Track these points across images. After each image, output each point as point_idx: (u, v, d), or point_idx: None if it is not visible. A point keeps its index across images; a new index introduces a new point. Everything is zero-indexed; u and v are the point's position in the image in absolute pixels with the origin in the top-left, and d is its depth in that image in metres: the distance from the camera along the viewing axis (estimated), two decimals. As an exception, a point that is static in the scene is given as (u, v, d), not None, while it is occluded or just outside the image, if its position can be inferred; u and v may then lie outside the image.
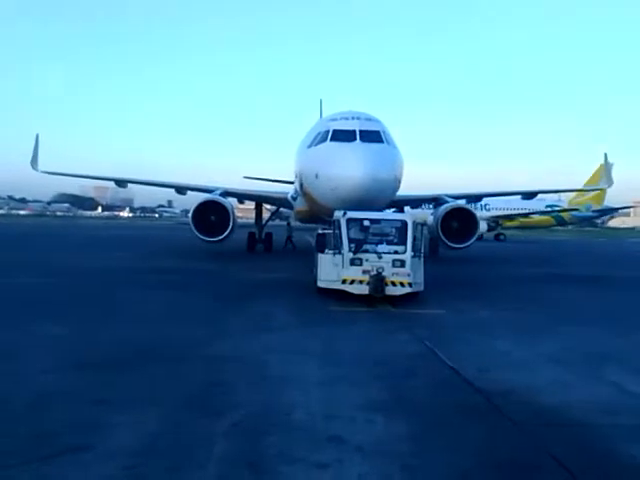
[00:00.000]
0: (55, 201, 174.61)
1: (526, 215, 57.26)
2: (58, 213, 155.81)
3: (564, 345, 10.12)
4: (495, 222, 56.30)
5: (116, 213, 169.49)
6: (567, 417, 6.60)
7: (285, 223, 43.84)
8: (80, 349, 8.98)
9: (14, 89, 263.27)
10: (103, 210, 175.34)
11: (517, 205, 54.86)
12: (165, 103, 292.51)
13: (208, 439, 5.67)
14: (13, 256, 26.28)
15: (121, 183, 35.19)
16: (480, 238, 54.40)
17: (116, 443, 5.52)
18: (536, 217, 59.07)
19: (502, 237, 57.32)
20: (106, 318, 11.65)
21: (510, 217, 57.18)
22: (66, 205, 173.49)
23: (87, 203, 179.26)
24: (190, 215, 26.79)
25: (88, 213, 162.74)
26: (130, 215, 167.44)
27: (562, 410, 6.80)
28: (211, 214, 26.04)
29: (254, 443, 5.61)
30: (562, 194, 58.68)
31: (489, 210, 56.06)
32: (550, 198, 58.73)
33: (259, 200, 34.87)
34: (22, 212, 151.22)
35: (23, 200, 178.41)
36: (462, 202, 28.65)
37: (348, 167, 16.43)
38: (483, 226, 54.30)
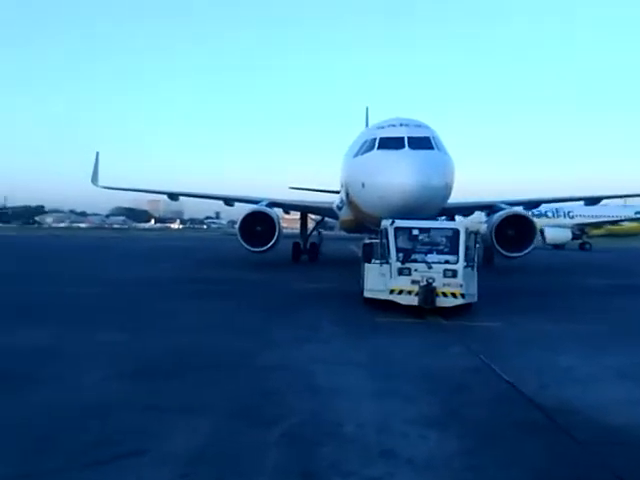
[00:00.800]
0: (112, 214, 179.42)
1: (614, 222, 51.77)
2: (115, 225, 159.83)
3: (633, 360, 9.37)
4: (580, 230, 51.36)
5: (168, 225, 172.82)
6: (636, 437, 6.04)
7: (331, 233, 43.62)
8: (135, 356, 8.93)
9: (77, 109, 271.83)
10: (156, 222, 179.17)
11: (604, 212, 49.31)
12: (211, 117, 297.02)
13: (260, 448, 5.47)
14: (77, 267, 26.82)
15: (173, 196, 35.90)
16: (562, 247, 51.60)
17: (170, 449, 5.43)
18: (626, 225, 53.13)
19: (587, 246, 51.11)
20: (158, 327, 11.64)
21: (596, 225, 51.46)
22: (122, 218, 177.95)
23: (141, 216, 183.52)
24: (237, 226, 26.90)
25: (142, 225, 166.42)
26: (180, 227, 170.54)
27: (631, 430, 6.26)
28: (257, 224, 26.09)
29: (306, 454, 5.43)
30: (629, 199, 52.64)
31: (573, 217, 51.26)
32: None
33: (304, 210, 34.77)
34: (82, 225, 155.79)
35: (83, 214, 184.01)
36: (519, 209, 27.39)
37: (396, 175, 16.03)
38: (564, 234, 49.50)
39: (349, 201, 21.19)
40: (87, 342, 9.95)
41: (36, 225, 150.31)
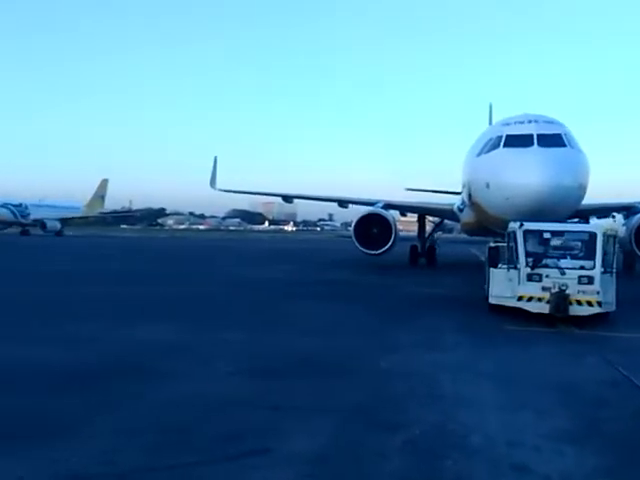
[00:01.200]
0: (228, 216, 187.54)
1: None
2: (231, 227, 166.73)
3: None
4: None
5: (281, 227, 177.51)
6: None
7: (450, 235, 42.71)
8: (257, 355, 9.27)
9: (197, 115, 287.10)
10: (270, 224, 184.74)
11: None
12: (324, 118, 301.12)
13: (382, 454, 5.47)
14: (200, 267, 28.31)
15: (287, 198, 36.83)
16: None
17: (293, 449, 5.52)
18: None
19: None
20: (279, 327, 12.00)
21: None
22: (237, 220, 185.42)
23: (256, 218, 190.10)
24: (352, 228, 27.07)
25: (257, 227, 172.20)
26: (294, 229, 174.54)
27: None
28: (373, 227, 26.11)
29: (429, 464, 5.31)
30: None
31: None
32: None
33: (422, 212, 34.33)
34: (201, 227, 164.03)
35: (202, 216, 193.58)
36: None
37: (524, 174, 15.46)
38: None
39: (472, 202, 20.70)
40: (211, 339, 10.46)
41: (158, 227, 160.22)
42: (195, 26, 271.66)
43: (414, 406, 6.92)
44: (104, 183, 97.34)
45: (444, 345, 10.63)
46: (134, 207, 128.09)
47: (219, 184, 36.65)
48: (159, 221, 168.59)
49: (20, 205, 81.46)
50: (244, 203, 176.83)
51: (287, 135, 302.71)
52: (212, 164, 36.59)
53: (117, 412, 6.38)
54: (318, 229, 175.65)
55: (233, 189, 38.81)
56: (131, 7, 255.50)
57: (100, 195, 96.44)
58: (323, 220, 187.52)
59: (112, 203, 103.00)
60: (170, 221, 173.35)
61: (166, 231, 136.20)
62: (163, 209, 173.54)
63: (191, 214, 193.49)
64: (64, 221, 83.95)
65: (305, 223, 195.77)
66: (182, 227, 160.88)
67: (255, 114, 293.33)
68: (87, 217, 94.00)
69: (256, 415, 6.41)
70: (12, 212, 80.00)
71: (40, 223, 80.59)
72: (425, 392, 7.50)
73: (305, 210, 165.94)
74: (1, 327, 11.32)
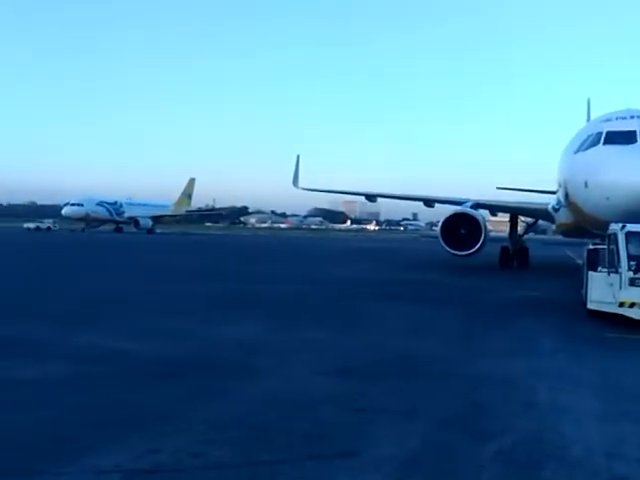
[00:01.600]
0: (310, 215, 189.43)
1: None
2: (312, 226, 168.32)
3: None
4: None
5: (363, 226, 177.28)
6: None
7: (544, 237, 41.44)
8: (339, 355, 9.34)
9: (278, 113, 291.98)
10: (352, 223, 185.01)
11: None
12: (410, 116, 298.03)
13: (475, 463, 5.35)
14: (282, 265, 28.85)
15: (371, 197, 36.84)
16: None
17: (380, 453, 5.48)
18: None
19: None
20: (361, 327, 12.04)
21: None
22: (319, 219, 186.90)
23: (338, 217, 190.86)
24: (439, 228, 26.69)
25: (338, 226, 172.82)
26: (376, 228, 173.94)
27: None
28: (461, 227, 25.66)
29: (525, 475, 5.15)
30: None
31: None
32: None
33: (513, 212, 33.40)
34: (282, 225, 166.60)
35: (283, 214, 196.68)
36: None
37: (625, 173, 14.78)
38: None
39: (568, 202, 19.99)
40: (297, 338, 10.64)
41: (241, 225, 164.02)
42: (277, 29, 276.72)
43: (508, 414, 6.76)
44: (192, 182, 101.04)
45: (539, 351, 10.32)
46: (217, 205, 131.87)
47: (301, 183, 37.22)
48: (242, 219, 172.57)
49: (115, 203, 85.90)
50: (326, 202, 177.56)
51: (370, 132, 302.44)
52: (294, 163, 37.18)
53: (205, 407, 6.55)
54: (401, 229, 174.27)
55: (315, 188, 39.26)
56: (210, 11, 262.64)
57: (188, 194, 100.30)
58: (407, 220, 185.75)
59: (197, 201, 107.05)
60: (252, 219, 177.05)
61: (248, 229, 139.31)
62: (246, 207, 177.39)
63: (273, 213, 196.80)
64: (155, 219, 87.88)
65: (388, 222, 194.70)
66: (264, 225, 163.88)
67: (338, 111, 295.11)
68: (176, 215, 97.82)
69: (341, 416, 6.40)
70: (108, 210, 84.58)
71: (134, 221, 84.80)
72: (520, 399, 7.31)
73: (388, 209, 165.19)
74: (100, 321, 12.00)
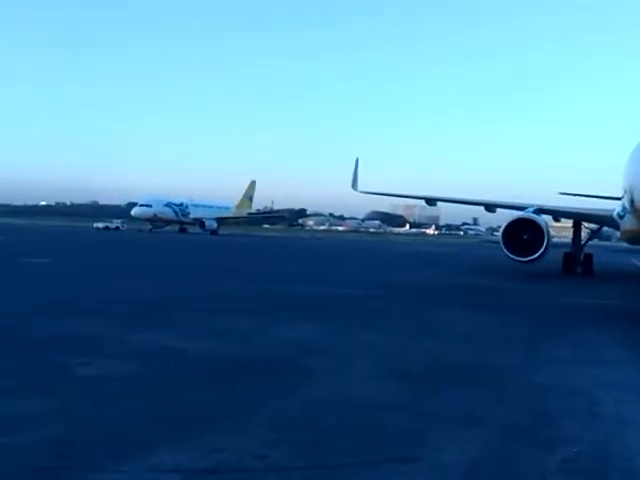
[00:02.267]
0: (368, 218, 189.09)
1: None
2: (370, 229, 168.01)
3: None
4: None
5: (423, 230, 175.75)
6: None
7: (608, 243, 40.21)
8: (400, 359, 9.30)
9: (338, 114, 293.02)
10: (411, 227, 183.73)
11: None
12: (470, 119, 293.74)
13: (539, 471, 5.25)
14: (342, 269, 28.94)
15: (431, 201, 36.49)
16: None
17: (443, 459, 5.42)
18: None
19: None
20: (420, 332, 11.97)
21: None
22: (377, 222, 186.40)
23: (396, 220, 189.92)
24: (500, 233, 26.38)
25: (397, 230, 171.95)
26: (436, 232, 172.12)
27: None
28: (523, 233, 25.28)
29: (593, 485, 5.03)
30: None
31: None
32: None
33: (577, 218, 32.55)
34: (340, 228, 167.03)
35: (341, 217, 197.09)
36: None
37: None
38: None
39: (634, 209, 19.30)
40: (355, 341, 10.64)
41: (299, 227, 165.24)
42: (340, 30, 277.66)
43: (573, 424, 6.58)
44: (252, 185, 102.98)
45: (605, 361, 9.99)
46: (276, 207, 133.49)
47: (360, 186, 37.18)
48: (299, 221, 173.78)
49: (181, 204, 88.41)
50: (384, 205, 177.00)
51: (430, 135, 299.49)
52: (354, 166, 37.19)
53: (266, 408, 6.61)
54: (461, 233, 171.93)
55: (374, 191, 39.12)
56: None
57: (249, 196, 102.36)
58: (467, 224, 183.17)
59: (255, 203, 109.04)
60: (310, 222, 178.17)
61: (306, 231, 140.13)
62: (304, 210, 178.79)
63: (331, 215, 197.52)
64: (218, 220, 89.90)
65: (448, 227, 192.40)
66: (322, 228, 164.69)
67: (398, 114, 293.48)
68: (238, 217, 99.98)
69: (402, 421, 6.37)
70: (174, 211, 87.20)
71: (199, 222, 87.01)
72: (585, 410, 7.12)
73: (448, 213, 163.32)
74: (162, 320, 12.31)
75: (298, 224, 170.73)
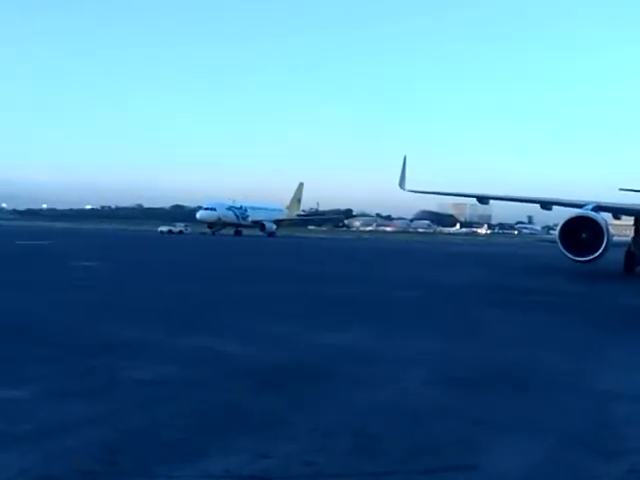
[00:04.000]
0: (416, 218, 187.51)
1: None
2: (419, 230, 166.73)
3: None
4: None
5: (474, 230, 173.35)
6: None
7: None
8: (451, 365, 9.17)
9: (384, 113, 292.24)
10: (461, 227, 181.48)
11: None
12: (521, 114, 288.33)
13: (603, 481, 5.14)
14: (390, 270, 28.87)
15: (483, 200, 35.90)
16: None
17: (502, 468, 5.33)
18: None
19: None
20: (473, 336, 11.81)
21: None
22: (426, 222, 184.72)
23: (446, 220, 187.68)
24: (557, 232, 25.89)
25: (447, 230, 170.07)
26: (488, 232, 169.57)
27: None
28: (581, 231, 24.74)
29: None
30: None
31: None
32: None
33: (639, 215, 31.56)
34: (387, 228, 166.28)
35: (389, 217, 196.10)
36: None
37: None
38: None
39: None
40: (405, 346, 10.56)
41: (344, 228, 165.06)
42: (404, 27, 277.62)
43: (634, 432, 6.42)
44: (301, 187, 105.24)
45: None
46: (321, 209, 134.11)
47: (408, 185, 36.87)
48: (345, 222, 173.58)
49: (240, 207, 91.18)
50: (433, 204, 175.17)
51: (481, 132, 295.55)
52: (401, 164, 36.92)
53: (314, 414, 6.62)
54: (515, 232, 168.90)
55: (422, 190, 38.72)
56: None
57: (297, 198, 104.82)
58: (521, 223, 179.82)
59: (302, 204, 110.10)
60: (357, 222, 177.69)
61: (352, 232, 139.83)
62: (350, 210, 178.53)
63: (378, 215, 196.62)
64: (276, 223, 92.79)
65: (501, 226, 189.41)
66: (368, 229, 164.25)
67: (446, 112, 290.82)
68: (292, 219, 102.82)
69: (456, 428, 6.28)
70: (235, 214, 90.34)
71: (260, 224, 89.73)
72: (648, 419, 6.92)
73: (501, 212, 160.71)
74: (209, 324, 12.48)
75: (344, 225, 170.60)
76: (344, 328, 12.15)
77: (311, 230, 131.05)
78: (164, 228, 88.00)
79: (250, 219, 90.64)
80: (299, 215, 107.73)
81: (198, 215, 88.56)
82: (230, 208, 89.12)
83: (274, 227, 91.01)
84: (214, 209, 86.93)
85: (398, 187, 36.64)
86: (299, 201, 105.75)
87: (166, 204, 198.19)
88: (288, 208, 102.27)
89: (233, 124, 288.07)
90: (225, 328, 11.78)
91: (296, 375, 8.38)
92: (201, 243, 59.39)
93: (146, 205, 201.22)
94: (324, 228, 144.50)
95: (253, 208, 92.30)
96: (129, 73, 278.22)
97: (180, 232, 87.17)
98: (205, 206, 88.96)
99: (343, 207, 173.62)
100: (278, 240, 73.58)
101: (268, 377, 8.20)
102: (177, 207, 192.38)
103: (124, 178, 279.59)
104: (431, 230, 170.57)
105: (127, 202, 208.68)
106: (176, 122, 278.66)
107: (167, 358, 9.02)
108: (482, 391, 7.79)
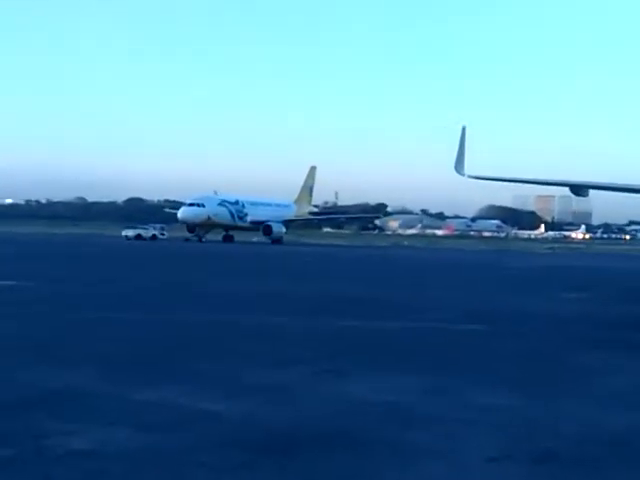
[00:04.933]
0: (481, 217, 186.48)
1: None
2: (485, 233, 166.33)
3: None
4: None
5: (566, 233, 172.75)
6: None
7: None
8: (531, 431, 9.08)
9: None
10: (547, 229, 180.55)
11: None
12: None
13: None
14: (458, 295, 28.94)
15: (579, 189, 35.44)
16: None
17: None
18: None
19: None
20: (559, 387, 11.74)
21: None
22: (495, 222, 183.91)
23: (525, 219, 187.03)
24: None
25: (526, 233, 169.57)
26: (586, 237, 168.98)
27: None
28: None
29: None
30: None
31: None
32: None
33: None
34: (439, 232, 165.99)
35: (441, 216, 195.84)
36: None
37: None
38: None
39: None
40: (461, 403, 10.43)
41: (376, 231, 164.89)
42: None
43: None
44: (312, 172, 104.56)
45: None
46: (341, 202, 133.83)
47: (468, 168, 36.51)
48: (377, 223, 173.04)
49: (237, 203, 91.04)
50: (506, 197, 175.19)
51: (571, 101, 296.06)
52: (458, 138, 36.60)
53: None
54: (627, 237, 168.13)
55: (489, 176, 38.39)
56: None
57: (309, 187, 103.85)
58: (636, 223, 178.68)
59: (315, 197, 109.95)
60: (393, 223, 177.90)
61: (387, 237, 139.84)
62: (383, 205, 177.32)
63: (424, 213, 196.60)
64: (285, 224, 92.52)
65: (606, 228, 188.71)
66: (410, 232, 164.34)
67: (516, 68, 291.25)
68: (305, 219, 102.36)
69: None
70: (230, 212, 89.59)
71: (263, 227, 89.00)
72: None
73: (605, 208, 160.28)
74: (181, 367, 12.52)
75: (375, 227, 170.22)
76: (382, 376, 12.18)
77: (327, 234, 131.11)
78: (130, 232, 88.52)
79: (249, 219, 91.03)
80: (313, 213, 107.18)
81: (181, 214, 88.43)
82: (223, 203, 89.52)
83: (283, 230, 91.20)
84: (202, 205, 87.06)
85: (454, 172, 36.41)
86: (310, 191, 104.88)
87: (118, 197, 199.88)
88: (297, 202, 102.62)
89: (212, 96, 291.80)
90: (203, 374, 11.82)
91: (307, 441, 8.35)
92: (187, 257, 59.70)
93: (90, 199, 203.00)
94: (347, 231, 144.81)
95: (253, 203, 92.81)
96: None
97: (153, 237, 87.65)
98: (190, 201, 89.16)
99: (373, 201, 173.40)
100: (287, 250, 72.79)
101: (264, 445, 8.15)
102: (133, 202, 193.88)
103: (58, 162, 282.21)
104: (502, 234, 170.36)
105: (63, 194, 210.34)
106: (131, 94, 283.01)
107: (117, 418, 9.00)
108: (575, 471, 7.64)
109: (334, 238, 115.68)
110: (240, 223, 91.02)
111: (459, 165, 35.89)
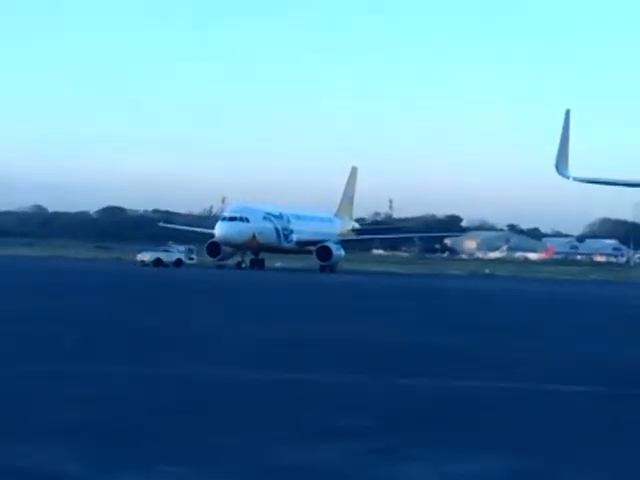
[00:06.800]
0: (591, 235, 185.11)
1: None
2: (596, 257, 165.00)
3: None
4: None
5: None
6: None
7: None
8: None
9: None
10: None
11: None
12: None
13: None
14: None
15: None
16: None
17: None
18: None
19: None
20: None
21: None
22: (611, 242, 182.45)
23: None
24: None
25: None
26: None
27: None
28: None
29: None
30: None
31: None
32: None
33: None
34: (533, 256, 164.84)
35: (536, 233, 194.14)
36: None
37: None
38: None
39: None
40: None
41: (446, 254, 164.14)
42: None
43: None
44: (354, 174, 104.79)
45: None
46: (396, 215, 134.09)
47: (574, 169, 36.47)
48: (447, 243, 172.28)
49: (281, 216, 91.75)
50: (625, 208, 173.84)
51: None
52: (560, 128, 36.69)
53: None
54: None
55: (602, 179, 38.42)
56: None
57: (349, 196, 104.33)
58: None
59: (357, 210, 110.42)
60: (471, 243, 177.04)
61: (461, 262, 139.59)
62: (456, 219, 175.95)
63: (512, 229, 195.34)
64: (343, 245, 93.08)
65: None
66: (493, 255, 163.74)
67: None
68: (361, 239, 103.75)
69: None
70: (276, 229, 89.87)
71: (318, 248, 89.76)
72: None
73: None
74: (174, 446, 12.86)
75: (444, 248, 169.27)
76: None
77: (379, 258, 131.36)
78: (146, 256, 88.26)
79: (294, 237, 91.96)
80: (355, 230, 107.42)
81: (221, 231, 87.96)
82: (267, 217, 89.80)
83: (342, 253, 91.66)
84: (246, 219, 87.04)
85: (555, 172, 36.43)
86: (351, 200, 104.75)
87: (90, 206, 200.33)
88: (337, 213, 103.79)
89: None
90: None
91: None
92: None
93: (52, 208, 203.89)
94: (405, 254, 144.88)
95: (298, 217, 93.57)
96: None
97: (178, 262, 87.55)
98: (230, 214, 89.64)
99: (441, 213, 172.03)
100: (348, 281, 72.95)
101: None
102: (111, 212, 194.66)
103: (7, 159, 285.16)
104: (622, 258, 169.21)
105: (14, 203, 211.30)
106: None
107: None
108: None
109: (388, 264, 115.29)
110: (285, 244, 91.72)
111: (561, 163, 35.52)
